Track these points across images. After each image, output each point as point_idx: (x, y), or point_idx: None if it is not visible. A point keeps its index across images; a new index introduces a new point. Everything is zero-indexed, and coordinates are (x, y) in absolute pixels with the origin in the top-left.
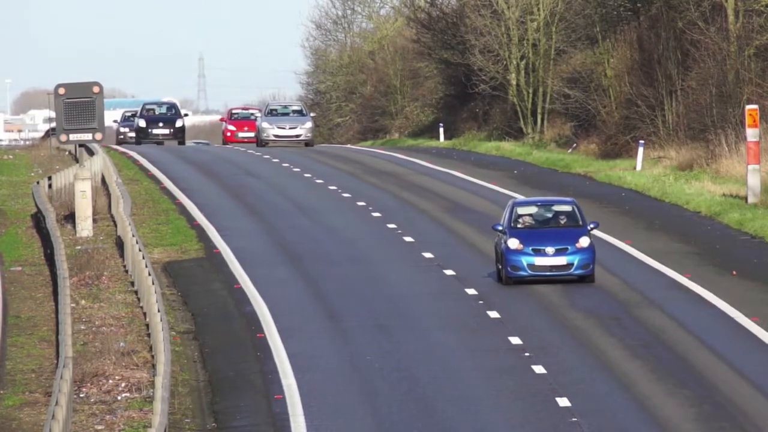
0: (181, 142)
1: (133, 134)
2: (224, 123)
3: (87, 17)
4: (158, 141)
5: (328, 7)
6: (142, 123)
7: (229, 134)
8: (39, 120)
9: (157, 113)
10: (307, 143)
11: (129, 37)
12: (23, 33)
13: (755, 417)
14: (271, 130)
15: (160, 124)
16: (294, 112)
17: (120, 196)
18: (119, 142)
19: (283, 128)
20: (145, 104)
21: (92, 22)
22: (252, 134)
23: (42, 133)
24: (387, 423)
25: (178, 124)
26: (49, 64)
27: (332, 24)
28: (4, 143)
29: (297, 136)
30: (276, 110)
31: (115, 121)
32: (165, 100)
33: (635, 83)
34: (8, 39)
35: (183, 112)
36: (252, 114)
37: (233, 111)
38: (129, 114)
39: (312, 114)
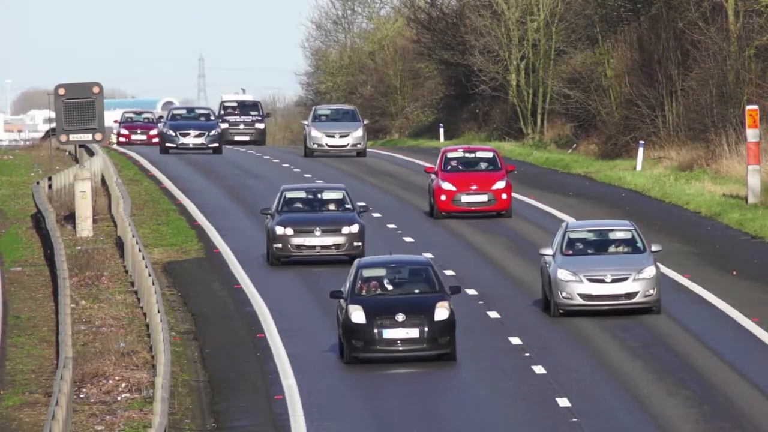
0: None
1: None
2: (433, 178)
3: (87, 17)
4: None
5: (328, 8)
6: None
7: (443, 198)
8: (39, 120)
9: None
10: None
11: (129, 37)
12: (23, 33)
13: (755, 417)
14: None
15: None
16: (622, 243)
17: (120, 197)
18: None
19: (602, 279)
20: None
21: (92, 22)
22: (486, 198)
23: (42, 134)
24: (387, 423)
25: (346, 230)
26: (49, 64)
27: (332, 24)
28: (4, 143)
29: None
30: (585, 240)
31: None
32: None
33: (635, 83)
34: (8, 39)
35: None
36: (481, 161)
37: (448, 154)
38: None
39: (656, 248)
